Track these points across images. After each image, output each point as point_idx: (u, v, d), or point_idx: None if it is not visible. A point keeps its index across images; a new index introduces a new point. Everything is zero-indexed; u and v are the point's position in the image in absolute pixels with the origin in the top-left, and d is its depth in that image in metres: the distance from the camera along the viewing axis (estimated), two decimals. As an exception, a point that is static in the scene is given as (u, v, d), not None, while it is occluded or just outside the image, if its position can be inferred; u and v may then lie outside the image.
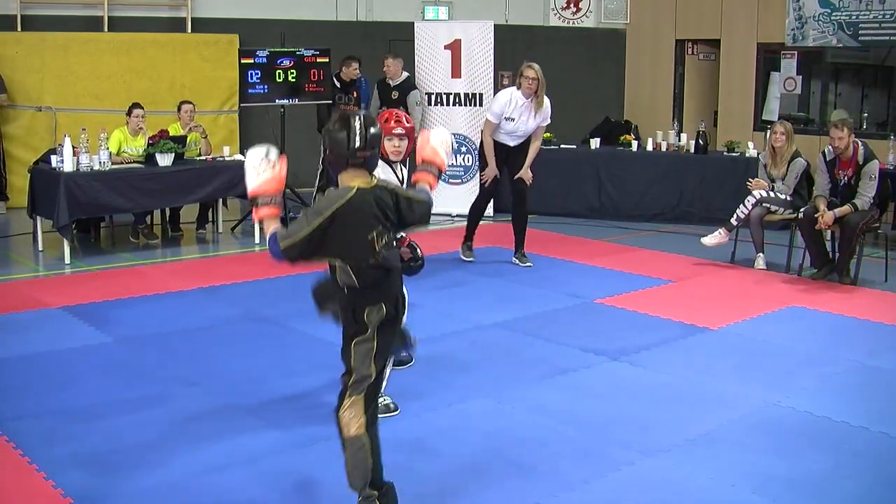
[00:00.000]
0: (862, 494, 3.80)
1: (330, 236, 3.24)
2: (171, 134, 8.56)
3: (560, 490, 3.77)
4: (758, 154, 8.96)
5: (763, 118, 11.52)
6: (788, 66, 11.42)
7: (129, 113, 8.64)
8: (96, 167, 7.85)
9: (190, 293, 6.84)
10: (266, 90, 9.35)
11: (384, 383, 3.88)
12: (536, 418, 4.53)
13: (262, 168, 3.47)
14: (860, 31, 10.58)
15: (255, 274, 7.42)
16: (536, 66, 7.44)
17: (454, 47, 10.24)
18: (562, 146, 10.52)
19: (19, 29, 10.63)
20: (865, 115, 11.60)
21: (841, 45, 10.86)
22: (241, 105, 10.05)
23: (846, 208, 7.25)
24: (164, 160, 8.23)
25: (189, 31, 11.34)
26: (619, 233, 9.61)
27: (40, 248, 8.23)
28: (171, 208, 9.00)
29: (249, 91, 9.34)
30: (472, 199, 10.34)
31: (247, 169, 3.50)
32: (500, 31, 10.50)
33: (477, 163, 10.30)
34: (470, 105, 10.31)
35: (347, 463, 3.40)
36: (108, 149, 7.98)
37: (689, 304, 6.72)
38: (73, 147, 7.79)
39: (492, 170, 7.71)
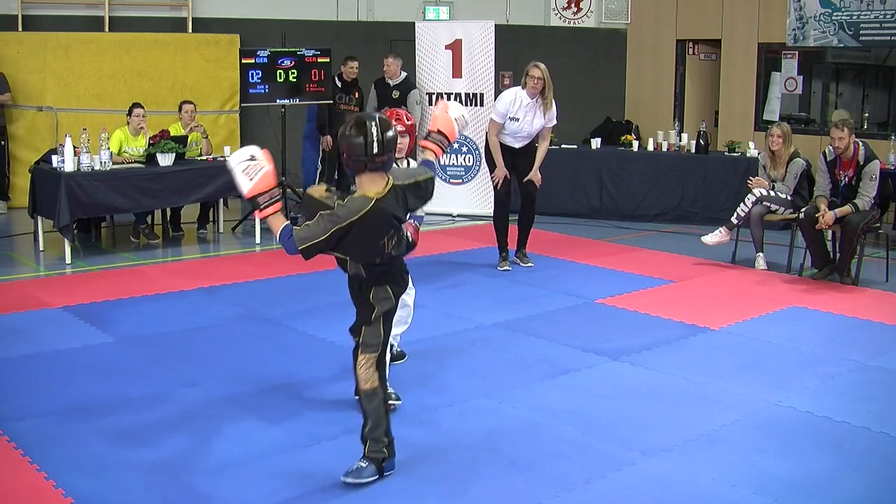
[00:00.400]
0: (863, 494, 3.80)
1: (345, 241, 3.50)
2: (172, 134, 8.56)
3: (561, 490, 3.77)
4: (758, 154, 8.95)
5: (764, 118, 11.51)
6: (789, 66, 11.41)
7: (129, 113, 8.65)
8: (97, 167, 7.85)
9: (191, 293, 6.84)
10: (267, 90, 9.34)
11: (388, 347, 4.07)
12: (537, 418, 4.53)
13: (252, 170, 3.53)
14: (861, 32, 10.57)
15: (255, 274, 7.43)
16: (542, 65, 7.34)
17: (455, 47, 10.24)
18: (563, 146, 10.52)
19: (20, 29, 10.63)
20: (866, 115, 11.60)
21: (842, 45, 10.85)
22: (242, 105, 10.05)
23: (847, 208, 7.25)
24: (165, 160, 8.23)
25: (190, 31, 11.34)
26: (619, 233, 9.61)
27: (41, 248, 8.24)
28: (171, 208, 8.99)
29: (250, 91, 9.34)
30: (473, 199, 10.47)
31: (235, 175, 3.56)
32: (500, 31, 10.49)
33: (477, 163, 10.33)
34: (471, 105, 10.30)
35: (365, 414, 3.75)
36: (108, 149, 7.98)
37: (691, 304, 6.72)
38: (75, 147, 7.79)
39: (501, 170, 7.54)
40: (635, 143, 10.63)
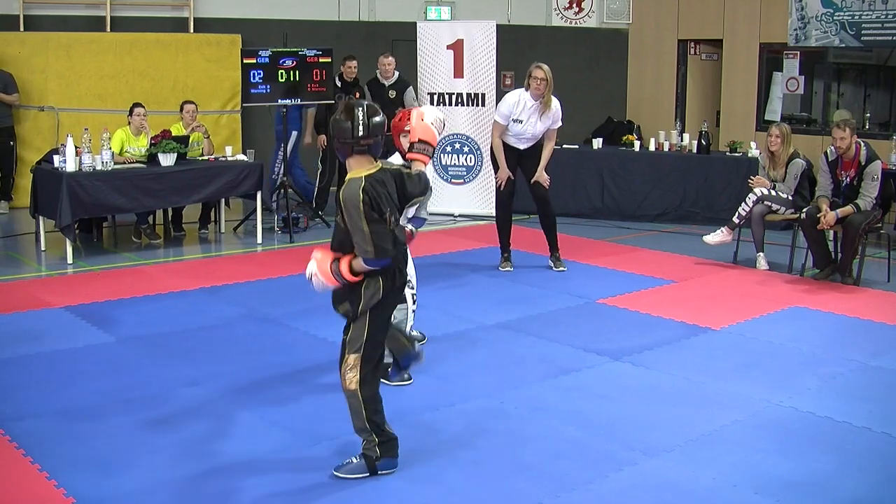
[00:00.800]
0: (864, 495, 3.80)
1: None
2: (173, 134, 8.56)
3: (562, 490, 3.77)
4: (759, 154, 8.95)
5: (765, 118, 11.50)
6: (791, 66, 11.41)
7: (130, 112, 8.66)
8: (99, 167, 7.86)
9: (192, 293, 6.85)
10: (268, 90, 9.34)
11: (384, 349, 3.99)
12: (538, 418, 4.53)
13: (317, 281, 3.71)
14: (863, 32, 10.56)
15: (257, 274, 7.43)
16: (545, 66, 7.30)
17: (456, 47, 10.23)
18: (564, 146, 10.50)
19: (22, 29, 10.64)
20: (868, 115, 11.60)
21: (843, 45, 10.85)
22: (244, 105, 10.05)
23: (848, 209, 7.25)
24: (167, 160, 8.23)
25: (192, 31, 11.35)
26: (621, 233, 9.61)
27: (43, 248, 8.24)
28: (173, 208, 9.00)
29: (252, 91, 9.33)
30: (475, 199, 10.47)
31: (316, 280, 3.71)
32: (502, 31, 10.49)
33: (479, 163, 10.34)
34: (472, 105, 10.31)
35: (350, 413, 3.80)
36: (110, 149, 7.99)
37: (692, 304, 6.72)
38: (76, 147, 7.79)
39: (504, 171, 7.53)
40: (637, 143, 10.62)
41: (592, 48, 12.95)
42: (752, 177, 8.09)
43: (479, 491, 3.76)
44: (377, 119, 3.65)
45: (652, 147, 10.50)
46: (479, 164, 10.35)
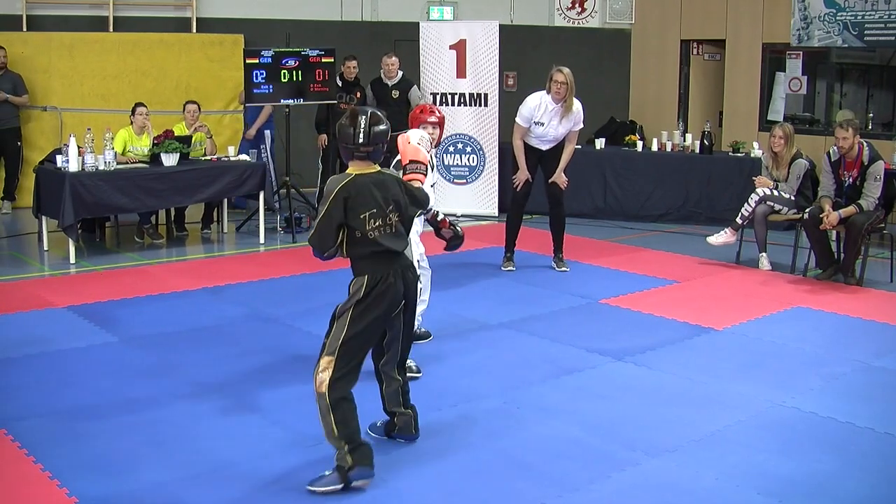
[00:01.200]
0: (867, 495, 3.80)
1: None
2: (176, 134, 8.57)
3: (564, 490, 3.77)
4: (762, 154, 8.95)
5: (768, 118, 11.50)
6: (794, 66, 11.40)
7: (133, 112, 8.67)
8: (101, 167, 7.86)
9: (195, 293, 6.85)
10: (271, 90, 9.34)
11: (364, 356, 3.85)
12: (541, 418, 4.53)
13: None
14: (866, 32, 10.55)
15: (260, 274, 7.44)
16: (566, 70, 7.27)
17: (459, 47, 10.24)
18: (567, 146, 10.50)
19: (25, 29, 10.64)
20: (871, 115, 11.58)
21: (846, 45, 10.84)
22: (247, 105, 10.05)
23: (851, 209, 7.24)
24: (170, 160, 8.24)
25: (194, 31, 11.35)
26: (624, 233, 9.60)
27: (46, 248, 8.25)
28: (176, 208, 9.00)
29: (254, 91, 9.34)
30: (478, 199, 10.47)
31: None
32: (505, 31, 10.49)
33: (482, 163, 10.34)
34: (475, 105, 10.31)
35: (318, 415, 3.71)
36: (113, 149, 8.00)
37: (695, 304, 6.71)
38: (79, 147, 7.80)
39: (523, 173, 7.54)
40: (639, 144, 10.62)
41: (595, 48, 12.94)
42: (754, 177, 8.09)
43: (480, 491, 3.76)
44: (379, 128, 3.75)
45: (654, 147, 10.49)
46: (482, 164, 10.35)
